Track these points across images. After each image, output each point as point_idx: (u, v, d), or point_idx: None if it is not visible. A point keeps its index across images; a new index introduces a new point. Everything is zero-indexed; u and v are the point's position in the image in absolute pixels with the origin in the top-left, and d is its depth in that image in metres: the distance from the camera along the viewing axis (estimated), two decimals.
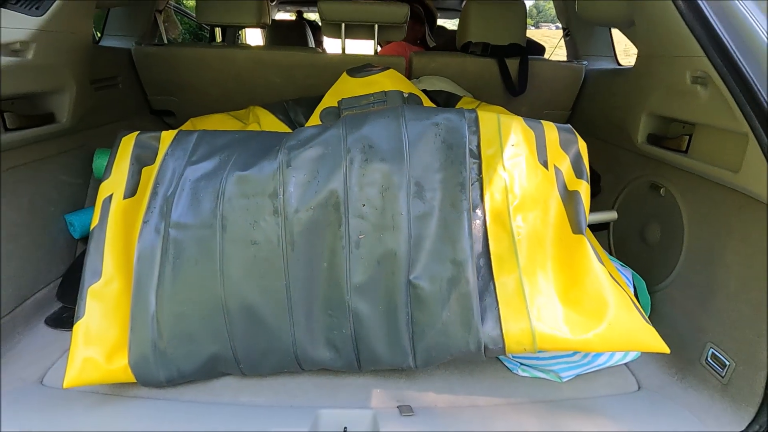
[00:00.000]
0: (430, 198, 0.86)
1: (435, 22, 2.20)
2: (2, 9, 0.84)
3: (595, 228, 1.31)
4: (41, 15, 0.92)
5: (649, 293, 1.14)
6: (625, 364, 1.03)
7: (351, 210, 0.85)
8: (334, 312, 0.85)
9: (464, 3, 1.58)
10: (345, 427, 0.79)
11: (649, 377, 0.99)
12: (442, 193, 0.87)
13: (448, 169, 0.88)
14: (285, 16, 3.42)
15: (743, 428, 0.81)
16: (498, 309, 0.82)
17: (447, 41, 2.01)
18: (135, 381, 0.84)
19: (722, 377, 0.89)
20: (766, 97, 0.79)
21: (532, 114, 1.58)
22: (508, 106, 1.51)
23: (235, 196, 0.86)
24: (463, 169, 0.88)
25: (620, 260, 1.29)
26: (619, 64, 1.78)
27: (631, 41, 1.20)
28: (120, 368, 0.83)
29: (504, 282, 0.84)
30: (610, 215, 1.25)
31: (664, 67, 1.07)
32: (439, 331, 0.83)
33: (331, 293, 0.85)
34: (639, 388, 0.97)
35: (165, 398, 0.86)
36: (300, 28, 2.99)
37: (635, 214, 1.26)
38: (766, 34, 0.83)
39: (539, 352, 0.83)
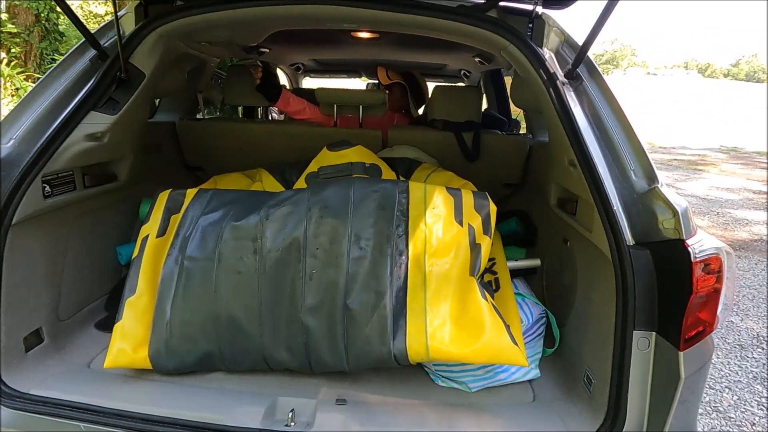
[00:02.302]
0: (364, 245, 1.19)
1: (422, 95, 2.59)
2: (91, 111, 1.28)
3: (526, 272, 1.58)
4: (115, 114, 1.36)
5: (559, 327, 1.39)
6: (529, 381, 1.29)
7: (308, 252, 1.19)
8: (292, 325, 1.18)
9: (434, 86, 1.97)
10: (293, 409, 1.09)
11: (544, 392, 1.24)
12: (374, 242, 1.20)
13: (380, 224, 1.21)
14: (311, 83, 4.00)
15: (595, 429, 1.05)
16: (406, 328, 1.12)
17: (420, 117, 2.42)
18: (151, 368, 1.19)
19: (590, 392, 1.14)
20: (602, 178, 1.08)
21: (489, 176, 1.91)
22: (467, 169, 1.85)
23: (229, 239, 1.23)
24: (391, 225, 1.21)
25: (548, 299, 1.55)
26: None
27: (543, 126, 1.52)
28: (142, 358, 1.19)
29: (413, 309, 1.14)
30: (533, 262, 1.53)
31: (556, 149, 1.38)
32: (364, 342, 1.13)
33: (290, 311, 1.18)
34: (534, 399, 1.22)
35: (171, 382, 1.20)
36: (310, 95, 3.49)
37: (557, 262, 1.53)
38: (604, 139, 1.14)
39: (438, 363, 1.12)
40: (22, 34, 7.54)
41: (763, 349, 2.76)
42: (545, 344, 1.39)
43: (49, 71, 1.30)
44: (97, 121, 1.31)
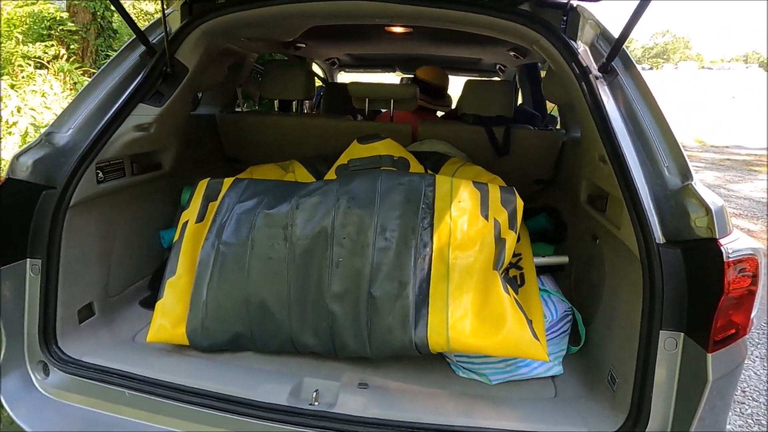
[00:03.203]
0: (390, 236, 1.22)
1: (440, 91, 2.57)
2: (140, 104, 1.37)
3: (554, 269, 1.56)
4: (161, 106, 1.45)
5: (586, 325, 1.38)
6: (551, 377, 1.28)
7: (335, 241, 1.24)
8: (318, 311, 1.23)
9: (465, 81, 1.96)
10: (317, 389, 1.14)
11: (566, 389, 1.23)
12: (399, 233, 1.22)
13: (405, 216, 1.24)
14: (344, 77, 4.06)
15: (614, 429, 1.04)
16: (428, 318, 1.15)
17: (452, 111, 2.41)
18: (188, 344, 1.28)
19: (613, 391, 1.12)
20: (633, 174, 1.06)
21: (519, 172, 1.89)
22: (497, 164, 1.84)
23: (261, 226, 1.29)
24: (416, 217, 1.24)
25: (576, 297, 1.53)
26: None
27: (576, 121, 1.49)
28: (180, 334, 1.27)
29: (435, 300, 1.16)
30: (561, 259, 1.51)
31: (587, 144, 1.35)
32: (386, 330, 1.17)
33: (317, 297, 1.23)
34: (555, 396, 1.22)
35: (206, 358, 1.28)
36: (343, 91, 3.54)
37: (585, 260, 1.50)
38: (637, 134, 1.11)
39: (459, 354, 1.14)
40: (80, 32, 8.05)
41: None
42: (571, 342, 1.37)
43: (103, 66, 1.41)
44: (145, 113, 1.40)
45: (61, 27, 6.95)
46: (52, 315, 1.21)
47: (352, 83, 2.05)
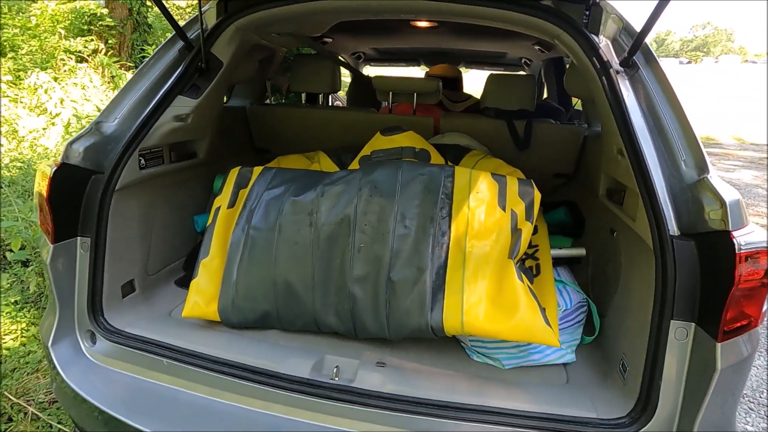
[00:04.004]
0: (409, 224, 1.28)
1: (456, 83, 2.67)
2: (178, 96, 1.47)
3: (571, 261, 1.59)
4: (197, 98, 1.55)
5: (601, 317, 1.40)
6: (563, 364, 1.32)
7: (357, 227, 1.30)
8: (340, 293, 1.30)
9: (488, 75, 1.99)
10: (337, 366, 1.22)
11: (578, 376, 1.27)
12: (418, 222, 1.28)
13: (424, 205, 1.29)
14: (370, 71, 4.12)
15: (623, 415, 1.07)
16: (443, 303, 1.20)
17: (474, 105, 2.47)
18: (219, 320, 1.37)
19: (624, 379, 1.15)
20: (648, 167, 1.08)
21: (540, 165, 1.92)
22: (518, 158, 1.86)
23: (288, 212, 1.37)
24: (435, 206, 1.29)
25: (592, 290, 1.55)
26: None
27: (597, 116, 1.50)
28: (212, 311, 1.37)
29: (451, 285, 1.22)
30: (578, 251, 1.53)
31: (606, 138, 1.37)
32: (403, 313, 1.23)
33: (340, 280, 1.30)
34: (567, 382, 1.25)
35: (235, 333, 1.38)
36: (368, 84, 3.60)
37: (603, 253, 1.52)
38: (657, 128, 1.12)
39: (474, 339, 1.19)
40: (117, 27, 8.39)
41: None
42: (585, 333, 1.40)
43: (145, 61, 1.51)
44: (183, 104, 1.50)
45: (100, 22, 7.27)
46: (99, 289, 1.33)
47: (377, 77, 2.11)
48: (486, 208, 1.29)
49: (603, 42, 1.29)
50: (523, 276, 1.22)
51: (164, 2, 1.34)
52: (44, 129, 5.33)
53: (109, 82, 6.19)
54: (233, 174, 1.56)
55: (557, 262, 1.50)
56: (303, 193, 1.40)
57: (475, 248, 1.25)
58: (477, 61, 3.59)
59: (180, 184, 1.72)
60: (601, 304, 1.41)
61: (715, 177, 1.03)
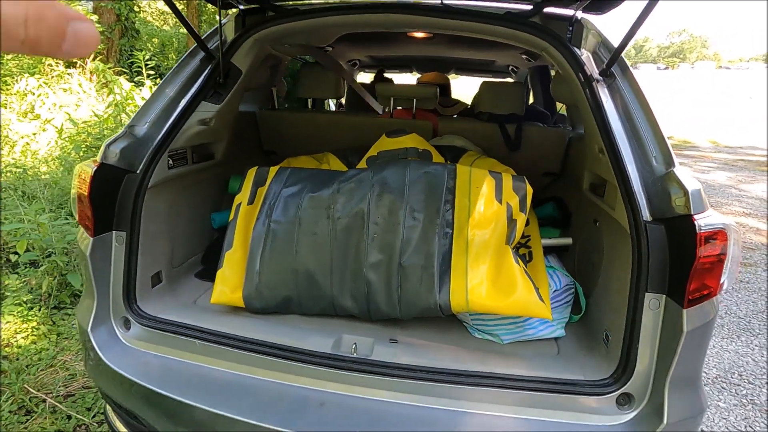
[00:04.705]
0: (417, 216, 1.44)
1: (445, 89, 3.02)
2: (202, 101, 1.61)
3: (559, 250, 1.76)
4: (219, 103, 1.69)
5: (586, 297, 1.57)
6: (555, 338, 1.48)
7: (371, 220, 1.45)
8: (356, 278, 1.44)
9: (482, 82, 2.17)
10: (354, 343, 1.36)
11: (567, 348, 1.43)
12: (425, 214, 1.44)
13: (430, 200, 1.45)
14: (364, 77, 4.29)
15: (606, 376, 1.24)
16: (450, 284, 1.36)
17: (467, 109, 2.68)
18: (244, 306, 1.50)
19: (607, 347, 1.32)
20: (625, 163, 1.26)
21: (529, 165, 2.10)
22: (509, 158, 2.04)
23: (307, 206, 1.51)
24: (439, 200, 1.45)
25: (578, 275, 1.73)
26: None
27: (580, 119, 1.69)
28: (237, 297, 1.50)
29: (456, 269, 1.37)
30: (565, 240, 1.71)
31: (588, 139, 1.55)
32: (414, 295, 1.38)
33: (355, 267, 1.44)
34: (558, 353, 1.42)
35: (259, 317, 1.50)
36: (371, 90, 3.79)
37: (587, 241, 1.70)
38: (631, 129, 1.30)
39: (475, 317, 1.34)
40: (105, 32, 8.40)
41: None
42: (573, 312, 1.57)
43: (171, 70, 1.64)
44: (207, 110, 1.64)
45: None
46: (133, 279, 1.45)
47: (380, 84, 2.28)
48: (485, 201, 1.45)
49: (585, 54, 1.47)
50: (519, 260, 1.39)
51: (160, 6, 1.48)
52: (34, 134, 5.34)
53: (103, 87, 6.22)
54: (251, 173, 1.69)
55: (547, 250, 1.67)
56: (319, 189, 1.54)
57: (476, 236, 1.40)
58: (467, 68, 3.78)
59: (199, 183, 1.84)
60: (587, 287, 1.59)
61: (680, 169, 1.21)
